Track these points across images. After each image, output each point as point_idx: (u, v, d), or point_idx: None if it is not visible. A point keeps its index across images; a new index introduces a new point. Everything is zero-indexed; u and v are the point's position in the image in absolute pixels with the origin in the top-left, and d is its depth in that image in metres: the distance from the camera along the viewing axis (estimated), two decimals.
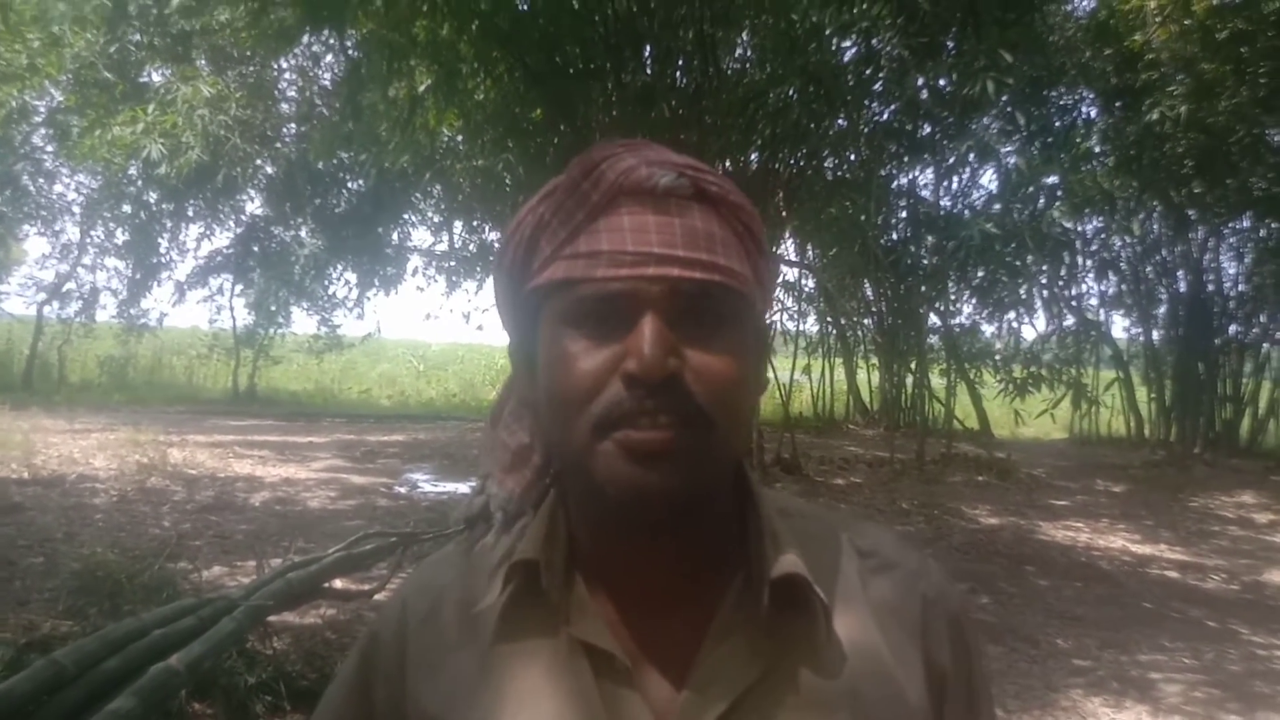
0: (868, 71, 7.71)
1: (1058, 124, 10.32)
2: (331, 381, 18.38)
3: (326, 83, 12.75)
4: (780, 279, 13.62)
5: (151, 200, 14.04)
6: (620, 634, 0.67)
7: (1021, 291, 10.26)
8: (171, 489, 7.09)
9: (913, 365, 13.26)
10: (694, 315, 0.63)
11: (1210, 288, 13.14)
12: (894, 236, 10.67)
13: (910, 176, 11.26)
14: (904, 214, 10.80)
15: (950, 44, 7.02)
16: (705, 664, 0.65)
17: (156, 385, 16.30)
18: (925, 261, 9.86)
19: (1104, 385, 13.72)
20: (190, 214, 14.87)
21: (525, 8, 6.95)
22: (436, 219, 15.06)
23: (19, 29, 9.64)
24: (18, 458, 7.64)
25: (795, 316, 15.59)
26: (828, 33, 6.64)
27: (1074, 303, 13.21)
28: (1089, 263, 13.22)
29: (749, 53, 8.74)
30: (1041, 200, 8.03)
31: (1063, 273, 11.78)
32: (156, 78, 11.41)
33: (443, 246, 15.31)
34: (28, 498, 6.39)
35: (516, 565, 0.68)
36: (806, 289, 15.20)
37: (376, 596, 4.04)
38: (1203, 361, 13.06)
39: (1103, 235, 12.76)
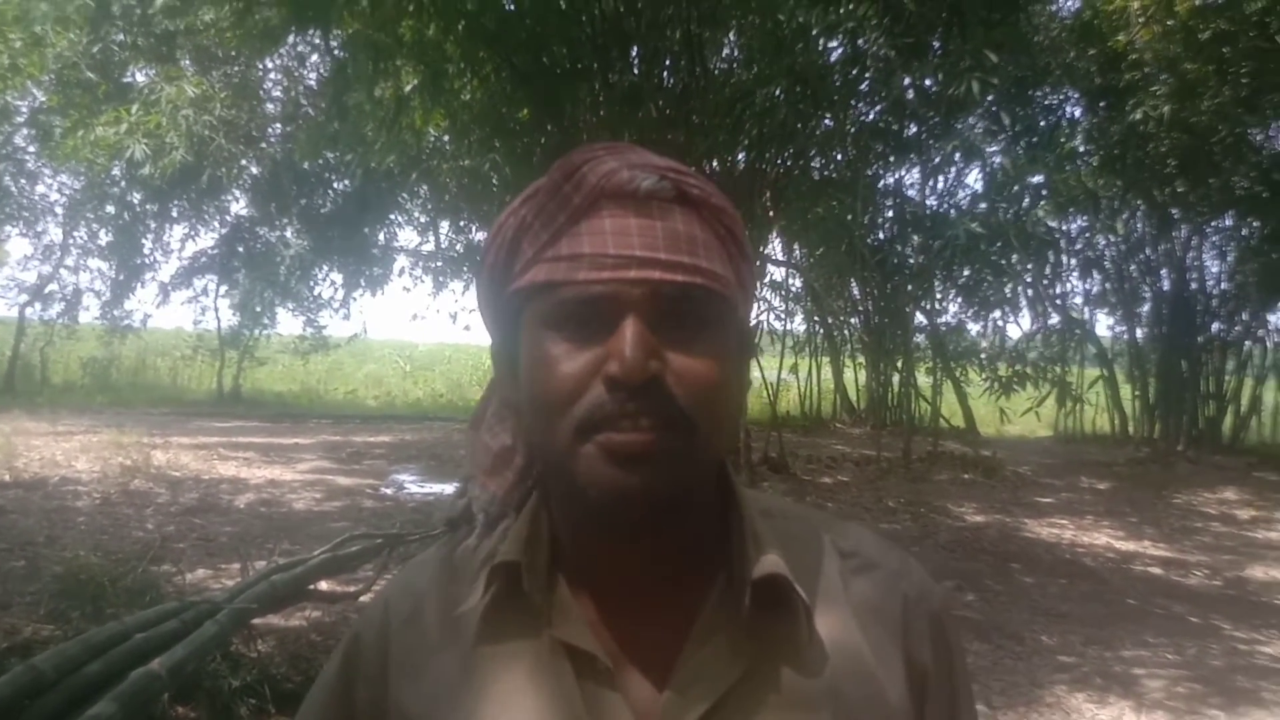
0: (854, 72, 7.75)
1: (1042, 124, 10.40)
2: (317, 382, 18.26)
3: (312, 83, 12.73)
4: (767, 278, 13.69)
5: (135, 201, 13.96)
6: (602, 635, 0.67)
7: (1006, 290, 10.32)
8: (155, 491, 7.04)
9: (899, 364, 13.34)
10: (675, 318, 0.63)
11: (1193, 286, 13.25)
12: (880, 236, 10.72)
13: (896, 176, 11.36)
14: (890, 213, 10.85)
15: (936, 44, 7.06)
16: (687, 665, 0.65)
17: (140, 387, 16.18)
18: (911, 261, 9.91)
19: (1088, 383, 13.80)
20: (174, 215, 14.79)
21: (512, 7, 6.94)
22: (423, 219, 15.06)
23: (1, 29, 9.55)
24: None
25: (782, 316, 15.69)
26: (814, 33, 6.65)
27: (1059, 301, 13.30)
28: (1073, 261, 13.33)
29: (736, 53, 8.76)
30: (1026, 199, 8.09)
31: (1047, 271, 11.84)
32: (140, 78, 11.35)
33: (429, 247, 15.32)
34: (9, 500, 6.33)
35: (499, 567, 0.68)
36: (793, 288, 15.28)
37: (362, 599, 4.01)
38: (1186, 359, 13.17)
39: (1087, 234, 12.85)
